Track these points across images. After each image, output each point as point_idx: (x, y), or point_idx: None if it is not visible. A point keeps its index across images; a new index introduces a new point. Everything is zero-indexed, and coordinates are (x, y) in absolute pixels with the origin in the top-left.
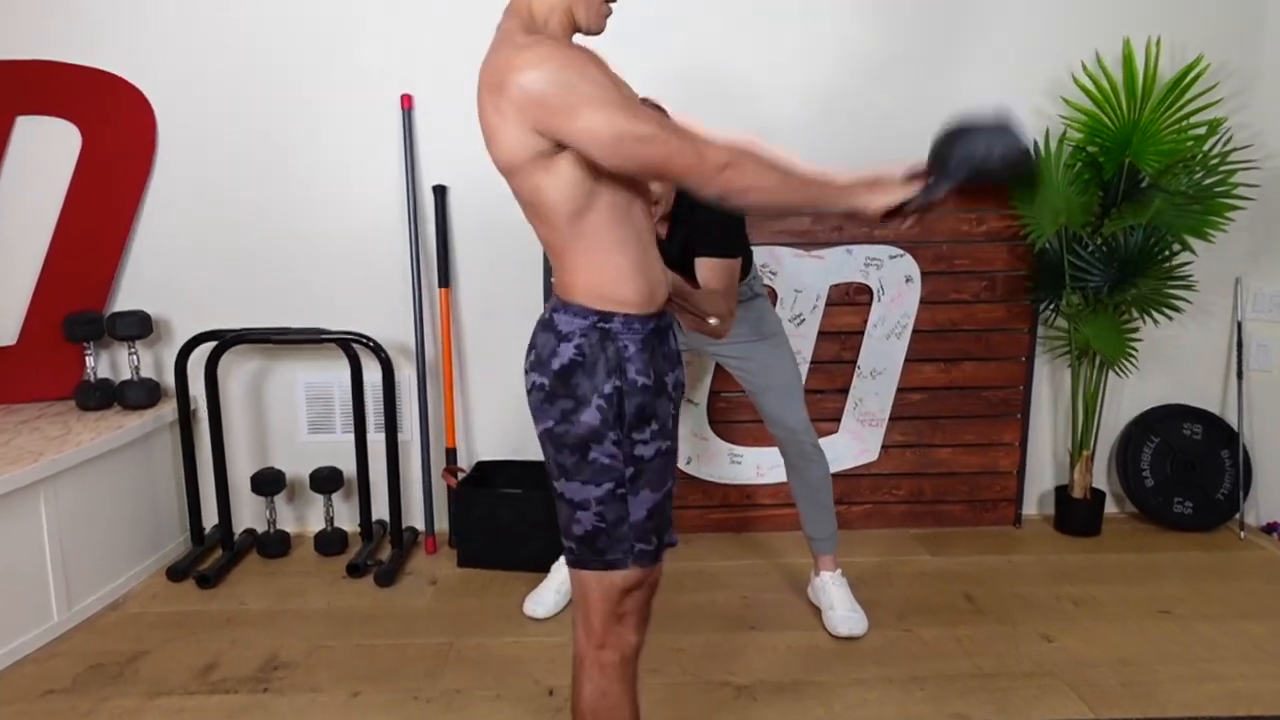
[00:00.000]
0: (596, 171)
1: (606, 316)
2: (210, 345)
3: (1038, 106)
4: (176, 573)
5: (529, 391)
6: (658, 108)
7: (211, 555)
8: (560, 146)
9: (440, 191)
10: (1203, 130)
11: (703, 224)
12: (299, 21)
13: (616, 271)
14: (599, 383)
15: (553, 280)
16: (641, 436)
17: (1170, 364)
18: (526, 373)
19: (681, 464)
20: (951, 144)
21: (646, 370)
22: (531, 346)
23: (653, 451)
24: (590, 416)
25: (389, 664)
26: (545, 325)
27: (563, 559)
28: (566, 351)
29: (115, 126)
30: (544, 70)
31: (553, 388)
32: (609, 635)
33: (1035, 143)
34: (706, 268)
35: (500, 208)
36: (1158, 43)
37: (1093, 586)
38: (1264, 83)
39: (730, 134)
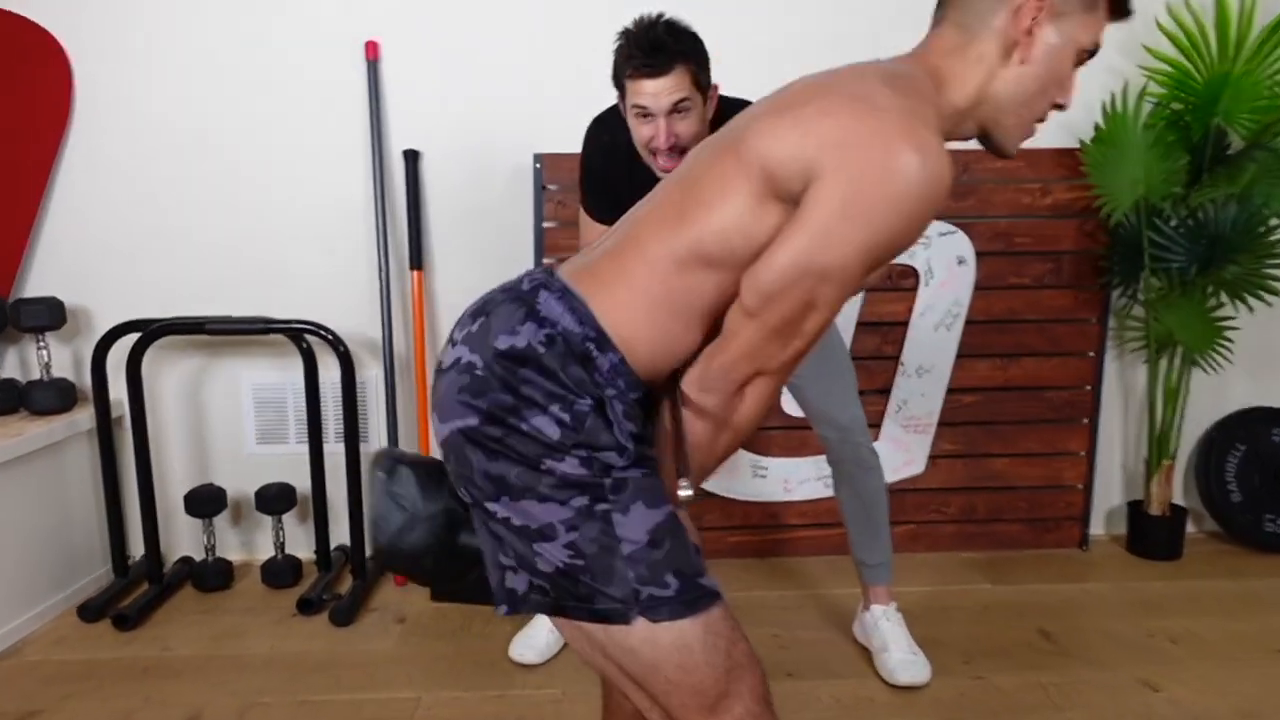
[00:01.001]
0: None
1: (604, 348)
2: (134, 338)
3: (1109, 62)
4: (90, 611)
5: (444, 370)
6: None
7: (137, 589)
8: (790, 207)
9: (412, 157)
10: None
11: None
12: None
13: (663, 331)
14: (557, 392)
15: (572, 265)
16: (625, 457)
17: (1254, 360)
18: (452, 344)
19: None
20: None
21: (629, 416)
22: (479, 313)
23: (639, 471)
24: (542, 425)
25: None
26: (518, 295)
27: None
28: (527, 335)
29: (23, 80)
30: (898, 177)
31: (485, 375)
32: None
33: (1106, 107)
34: None
35: (484, 176)
36: None
37: (1188, 620)
38: None
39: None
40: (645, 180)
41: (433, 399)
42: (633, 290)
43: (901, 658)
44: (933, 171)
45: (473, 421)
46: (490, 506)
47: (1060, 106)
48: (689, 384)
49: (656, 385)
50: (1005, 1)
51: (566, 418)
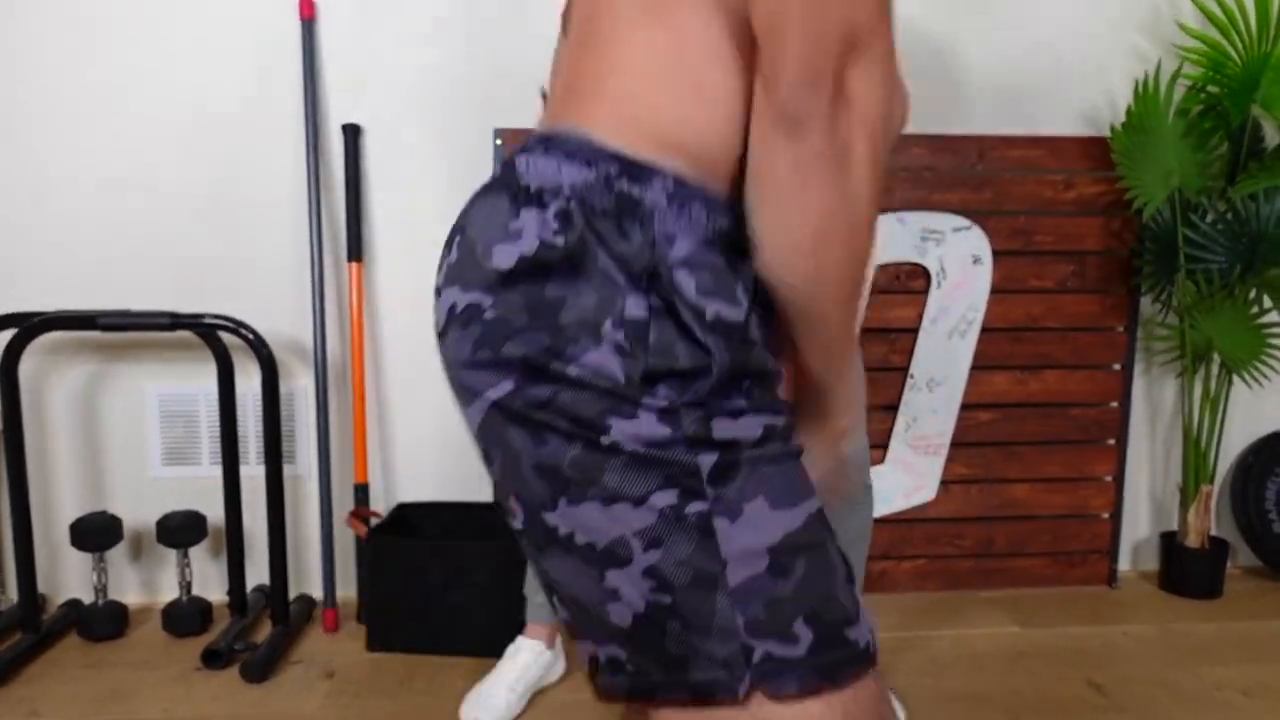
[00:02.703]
0: None
1: (649, 173)
2: (11, 334)
3: (1133, 44)
4: None
5: (442, 329)
6: None
7: (8, 639)
8: None
9: (352, 132)
10: None
11: None
12: None
13: (705, 101)
14: (607, 297)
15: (551, 104)
16: (726, 403)
17: None
18: (439, 290)
19: None
20: None
21: (730, 289)
22: (457, 231)
23: (759, 428)
24: (600, 360)
25: None
26: (493, 184)
27: (520, 641)
28: (533, 226)
29: None
30: None
31: (500, 311)
32: None
33: (1137, 89)
34: None
35: (437, 154)
36: None
37: (1252, 668)
38: None
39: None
40: None
41: (447, 378)
42: (636, 74)
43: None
44: None
45: (508, 386)
46: (550, 520)
47: None
48: (761, 140)
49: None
50: None
51: (621, 335)
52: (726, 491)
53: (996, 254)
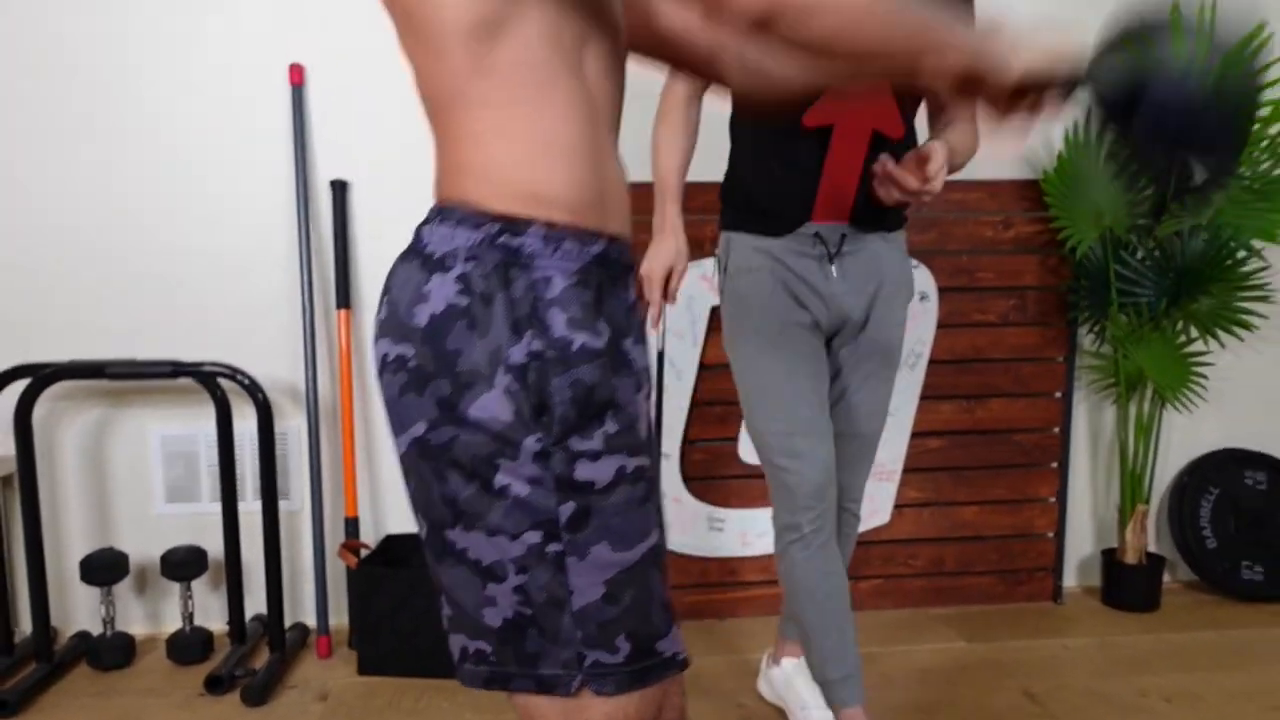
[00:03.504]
0: None
1: (515, 225)
2: (24, 384)
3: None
4: None
5: (379, 373)
6: None
7: (23, 670)
8: None
9: (340, 188)
10: (1266, 111)
11: None
12: None
13: (545, 144)
14: (501, 343)
15: (433, 170)
16: (587, 444)
17: (1223, 399)
18: (375, 340)
19: None
20: (1157, 59)
21: (589, 321)
22: (385, 292)
23: (611, 473)
24: (491, 406)
25: None
26: (406, 254)
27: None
28: (441, 291)
29: None
30: None
31: (419, 361)
32: None
33: (1068, 136)
34: None
35: (419, 207)
36: (1212, 5)
37: (1179, 676)
38: None
39: None
40: None
41: (386, 411)
42: (476, 139)
43: (824, 715)
44: None
45: (423, 427)
46: (449, 537)
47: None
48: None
49: (614, 209)
50: None
51: (509, 380)
52: (577, 537)
53: (942, 291)
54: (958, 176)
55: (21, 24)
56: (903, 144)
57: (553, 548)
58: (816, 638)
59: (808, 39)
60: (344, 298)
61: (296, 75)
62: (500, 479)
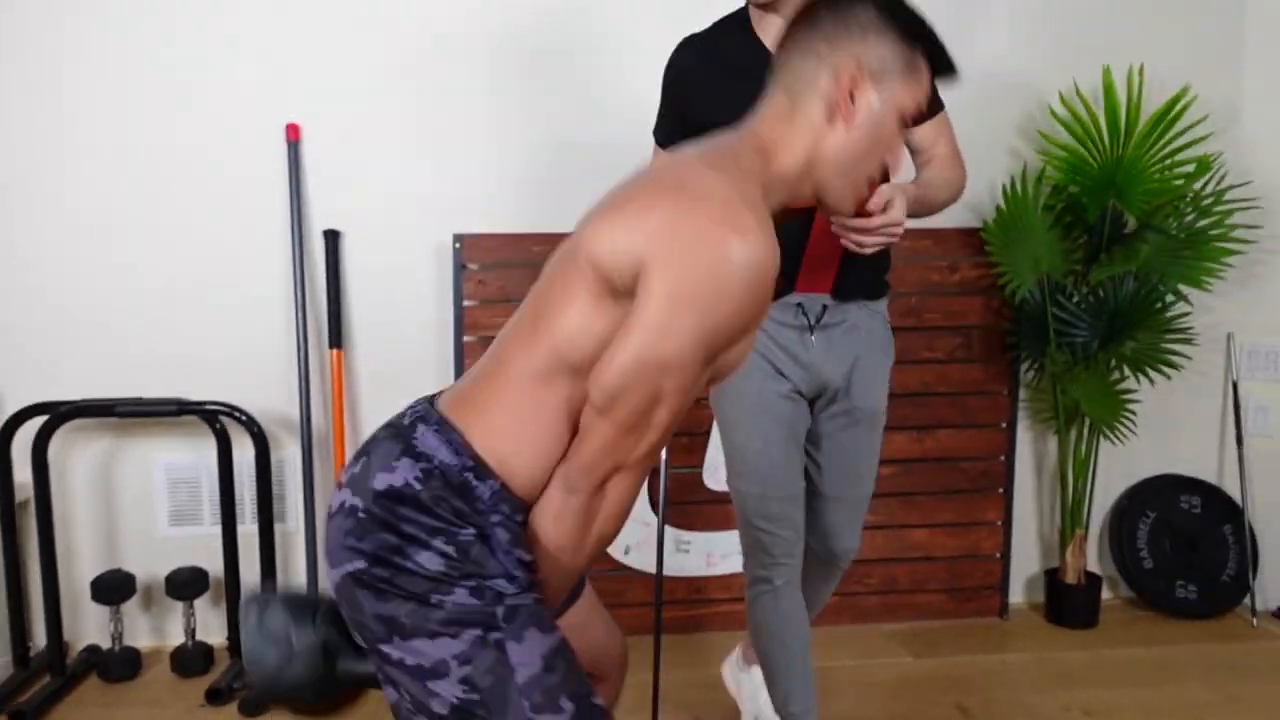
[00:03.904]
0: None
1: (482, 475)
2: (41, 420)
3: (1010, 145)
4: None
5: (337, 511)
6: None
7: (38, 682)
8: (627, 302)
9: (332, 237)
10: (1191, 168)
11: None
12: (163, 37)
13: (537, 443)
14: (438, 526)
15: (450, 393)
16: (517, 582)
17: (1162, 430)
18: (338, 487)
19: (619, 554)
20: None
21: (514, 570)
22: (362, 453)
23: (531, 599)
24: (427, 561)
25: None
26: (397, 432)
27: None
28: (403, 472)
29: None
30: (719, 265)
31: (367, 516)
32: None
33: (1006, 190)
34: (931, 131)
35: (403, 256)
36: (1140, 71)
37: (1102, 691)
38: (1245, 119)
39: None
40: (747, 64)
41: (324, 546)
42: (504, 412)
43: None
44: (754, 253)
45: (360, 565)
46: (384, 649)
47: (889, 169)
48: (554, 486)
49: None
50: (827, 66)
51: (451, 550)
52: (513, 626)
53: (892, 330)
54: (909, 224)
55: (35, 85)
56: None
57: (493, 636)
58: (780, 677)
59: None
60: (336, 338)
61: (293, 133)
62: (437, 597)
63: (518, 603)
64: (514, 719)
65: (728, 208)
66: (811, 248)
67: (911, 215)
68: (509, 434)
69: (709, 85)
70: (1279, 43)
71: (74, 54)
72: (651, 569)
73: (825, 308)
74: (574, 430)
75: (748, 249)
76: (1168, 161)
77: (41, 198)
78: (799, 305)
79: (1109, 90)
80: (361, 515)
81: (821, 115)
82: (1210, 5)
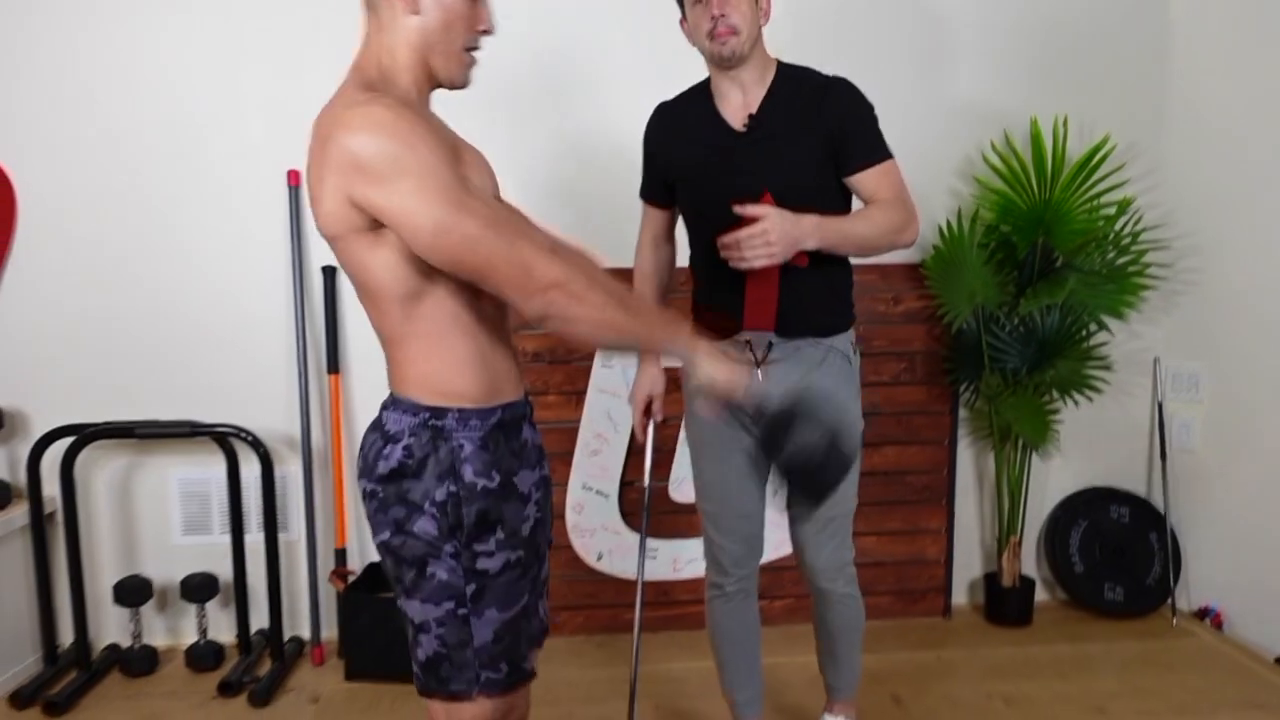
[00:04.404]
0: None
1: (439, 412)
2: (69, 441)
3: (951, 186)
4: (21, 699)
5: (365, 496)
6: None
7: (66, 677)
8: (380, 224)
9: (330, 273)
10: (1113, 210)
11: (850, 129)
12: (176, 94)
13: (454, 361)
14: (430, 488)
15: (386, 373)
16: (484, 547)
17: (1094, 446)
18: (360, 476)
19: (592, 560)
20: (792, 430)
21: (487, 471)
22: (363, 447)
23: (499, 564)
24: (425, 526)
25: None
26: (373, 426)
27: None
28: (394, 454)
29: None
30: (371, 134)
31: (383, 495)
32: None
33: (943, 230)
34: (872, 179)
35: None
36: (1065, 121)
37: (1025, 683)
38: (1171, 163)
39: (570, 242)
40: (725, 150)
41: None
42: (415, 359)
43: None
44: (384, 112)
45: (386, 534)
46: (400, 604)
47: (486, 32)
48: (541, 313)
49: (506, 387)
50: None
51: (436, 513)
52: (478, 605)
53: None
54: (856, 261)
55: (64, 139)
56: (810, 263)
57: (461, 611)
58: (728, 668)
59: (570, 332)
60: (334, 364)
61: (294, 179)
62: (430, 569)
63: (483, 583)
64: (468, 673)
65: (369, 105)
66: (750, 291)
67: (849, 252)
68: (429, 369)
69: (675, 155)
70: (1199, 91)
71: (106, 112)
72: (622, 574)
73: (771, 344)
74: (467, 314)
75: (377, 109)
76: (1092, 203)
77: (68, 240)
78: (747, 342)
79: (1036, 139)
80: (381, 495)
81: (396, 10)
82: (1136, 55)
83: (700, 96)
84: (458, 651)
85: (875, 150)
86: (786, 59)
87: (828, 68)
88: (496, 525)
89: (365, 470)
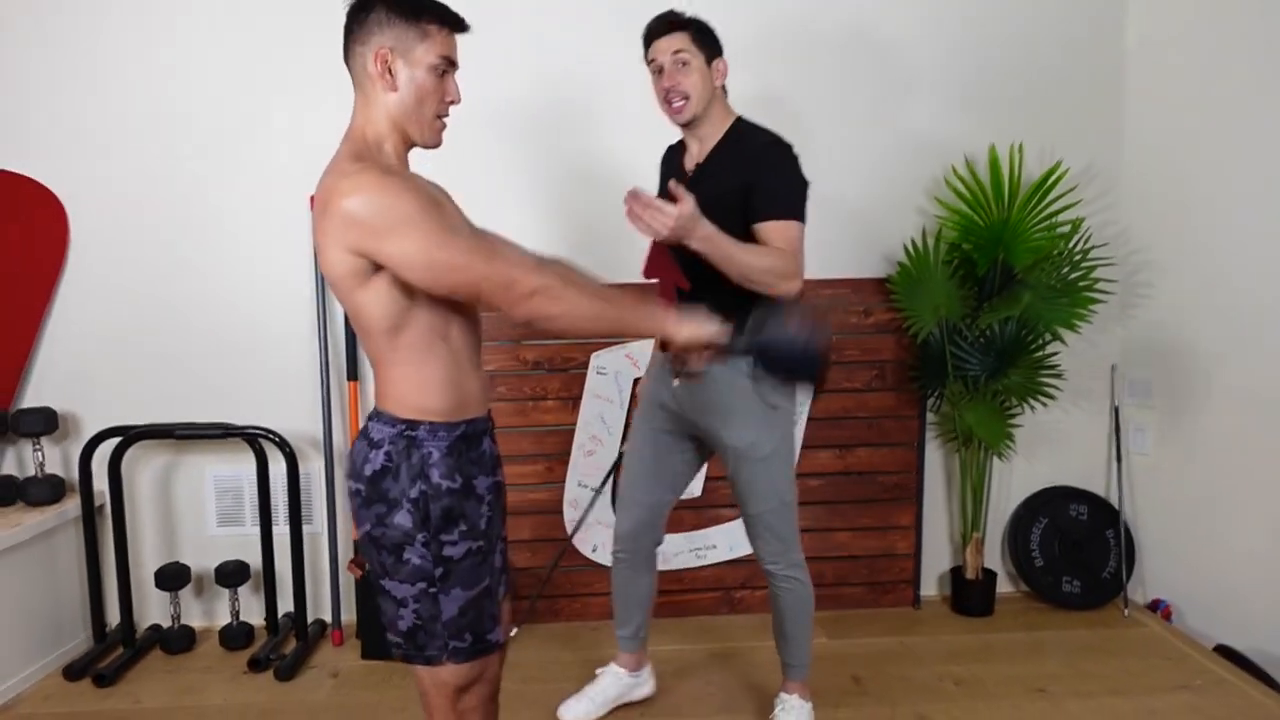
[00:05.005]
0: (412, 293)
1: (413, 425)
2: (115, 441)
3: (917, 207)
4: (74, 672)
5: (351, 495)
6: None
7: (113, 653)
8: (378, 267)
9: None
10: (1067, 229)
11: (764, 184)
12: (209, 125)
13: (426, 384)
14: (405, 487)
15: (374, 390)
16: (449, 538)
17: (1056, 448)
18: (346, 479)
19: (588, 551)
20: (770, 327)
21: (451, 474)
22: (350, 455)
23: (461, 551)
24: (401, 519)
25: None
26: (361, 434)
27: (609, 665)
28: (376, 458)
29: (27, 227)
30: (364, 196)
31: (367, 493)
32: None
33: (908, 248)
34: (770, 231)
35: None
36: (1020, 148)
37: (977, 666)
38: (1127, 182)
39: (543, 254)
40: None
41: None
42: (395, 380)
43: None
44: (374, 178)
45: (367, 526)
46: (382, 584)
47: (453, 103)
48: (526, 312)
49: (471, 405)
50: (366, 58)
51: (410, 509)
52: (446, 583)
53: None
54: (829, 275)
55: (113, 169)
56: (694, 293)
57: (431, 590)
58: (618, 610)
59: (556, 328)
60: (352, 372)
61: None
62: (406, 555)
63: (450, 569)
64: (438, 641)
65: (359, 175)
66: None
67: (729, 272)
68: (407, 388)
69: (660, 190)
70: (1153, 117)
71: (147, 144)
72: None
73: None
74: (440, 346)
75: (368, 176)
76: (1047, 223)
77: (115, 260)
78: (670, 357)
79: (994, 164)
80: (364, 493)
81: (379, 90)
82: (1094, 84)
83: (682, 144)
84: (430, 624)
85: (779, 206)
86: (767, 96)
87: (802, 99)
88: (459, 519)
89: (353, 472)
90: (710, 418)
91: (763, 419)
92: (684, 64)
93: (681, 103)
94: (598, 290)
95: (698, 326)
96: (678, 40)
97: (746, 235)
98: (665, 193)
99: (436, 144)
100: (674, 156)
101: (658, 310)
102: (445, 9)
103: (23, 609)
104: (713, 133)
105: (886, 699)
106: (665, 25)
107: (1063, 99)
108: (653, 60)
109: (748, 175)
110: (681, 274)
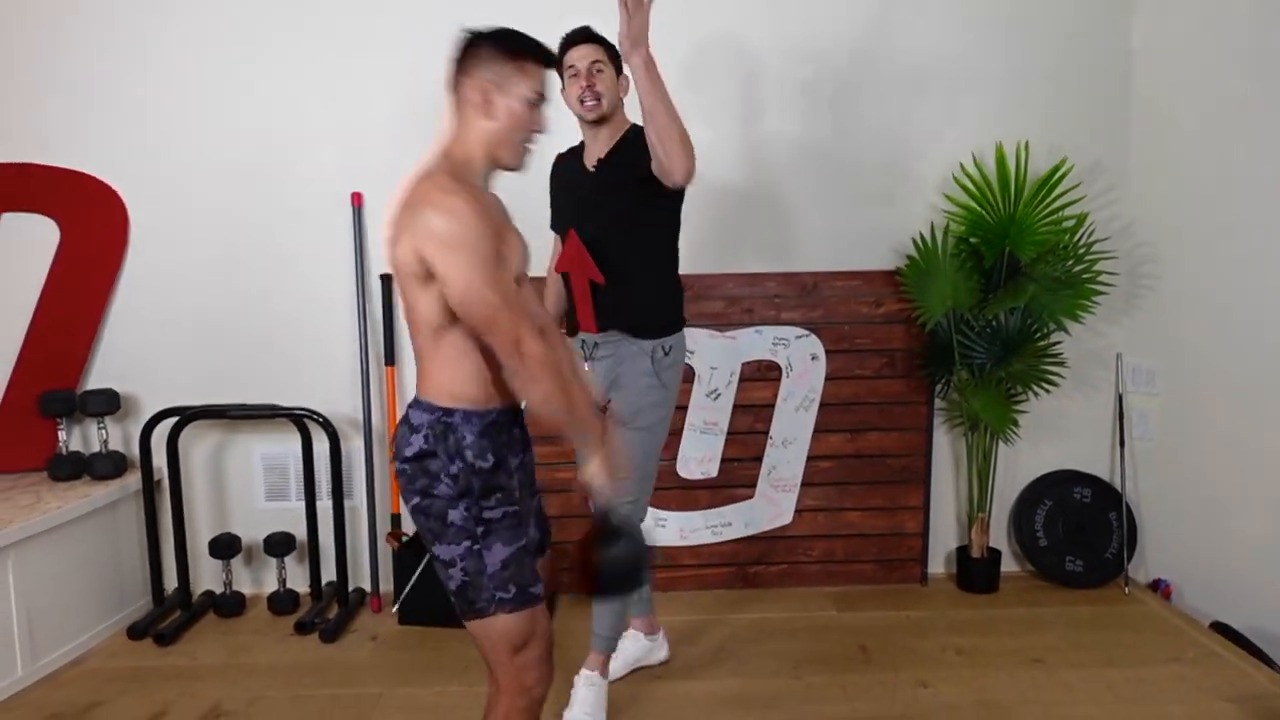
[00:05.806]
0: None
1: (449, 412)
2: (173, 420)
3: (928, 202)
4: (136, 631)
5: (398, 473)
6: None
7: (171, 615)
8: (434, 275)
9: (387, 280)
10: (1073, 223)
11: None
12: (261, 126)
13: (462, 376)
14: (445, 464)
15: (416, 379)
16: (488, 504)
17: (1062, 433)
18: (392, 460)
19: None
20: (622, 546)
21: (483, 454)
22: (395, 438)
23: (500, 514)
24: (443, 489)
25: (322, 711)
26: (402, 419)
27: (628, 629)
28: (416, 442)
29: (91, 221)
30: (448, 218)
31: (411, 471)
32: (510, 682)
33: (918, 241)
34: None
35: None
36: (1026, 146)
37: (978, 639)
38: (1133, 178)
39: (559, 343)
40: (580, 185)
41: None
42: (435, 372)
43: (571, 716)
44: (463, 200)
45: (416, 499)
46: (432, 550)
47: (540, 131)
48: (510, 377)
49: (498, 395)
50: (470, 88)
51: (451, 481)
52: (488, 540)
53: (829, 352)
54: (842, 267)
55: (171, 168)
56: (608, 286)
57: (475, 547)
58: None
59: (523, 392)
60: (390, 357)
61: (357, 199)
62: (450, 518)
63: (489, 527)
64: (486, 593)
65: (444, 192)
66: (574, 304)
67: (655, 86)
68: (444, 379)
69: (554, 194)
70: (1159, 114)
71: (205, 145)
72: None
73: (596, 344)
74: (469, 347)
75: (458, 200)
76: (1053, 218)
77: (172, 253)
78: (582, 341)
79: (1000, 161)
80: (409, 471)
81: (477, 117)
82: (1101, 83)
83: (577, 149)
84: (476, 578)
85: None
86: (785, 96)
87: (826, 102)
88: (496, 491)
89: (396, 454)
90: (616, 391)
91: (656, 392)
92: (599, 70)
93: (594, 102)
94: (568, 388)
95: (603, 481)
96: (595, 51)
97: (648, 209)
98: (559, 199)
99: (521, 168)
100: (568, 161)
101: (596, 436)
102: (542, 49)
103: (90, 574)
104: (615, 133)
105: (890, 666)
106: (584, 36)
107: (1070, 97)
108: (570, 66)
109: (646, 166)
110: (595, 268)
